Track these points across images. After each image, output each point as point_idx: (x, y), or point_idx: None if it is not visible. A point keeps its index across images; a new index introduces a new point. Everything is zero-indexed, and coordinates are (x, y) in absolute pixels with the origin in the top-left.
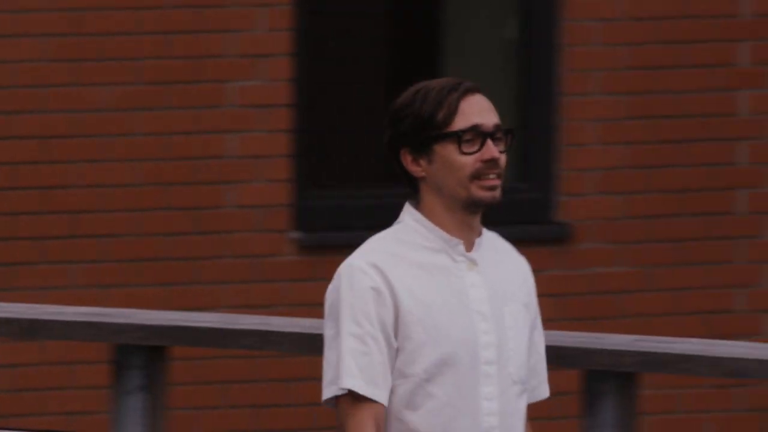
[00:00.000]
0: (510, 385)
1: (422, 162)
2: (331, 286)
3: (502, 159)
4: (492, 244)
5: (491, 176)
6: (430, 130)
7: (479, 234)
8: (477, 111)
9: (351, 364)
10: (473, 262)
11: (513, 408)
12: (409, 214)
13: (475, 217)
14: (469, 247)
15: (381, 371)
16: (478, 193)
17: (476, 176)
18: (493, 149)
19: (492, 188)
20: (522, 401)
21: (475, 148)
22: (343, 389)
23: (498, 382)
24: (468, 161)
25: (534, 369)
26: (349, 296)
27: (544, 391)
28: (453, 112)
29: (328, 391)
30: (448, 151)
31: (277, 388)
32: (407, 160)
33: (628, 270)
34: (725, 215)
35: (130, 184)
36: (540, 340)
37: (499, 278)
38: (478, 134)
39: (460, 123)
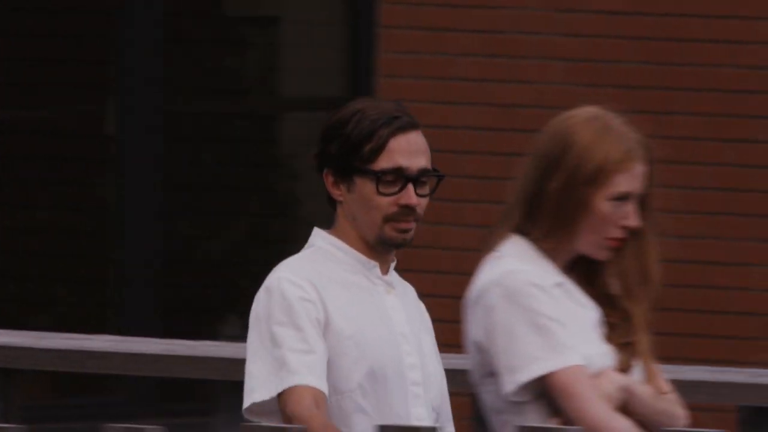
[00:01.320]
0: (431, 410)
1: (342, 187)
2: (259, 300)
3: (422, 204)
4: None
5: (406, 220)
6: (354, 161)
7: (393, 260)
8: (405, 152)
9: (297, 363)
10: (390, 286)
11: None
12: (320, 238)
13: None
14: (384, 270)
15: (323, 365)
16: (389, 233)
17: (390, 218)
18: (411, 196)
19: (404, 231)
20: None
21: (394, 189)
22: (287, 386)
23: (425, 404)
24: (384, 202)
25: (438, 408)
26: (282, 305)
27: None
28: (380, 149)
29: (264, 393)
30: (367, 187)
31: None
32: (329, 181)
33: None
34: None
35: None
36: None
37: (410, 307)
38: (400, 177)
39: (383, 162)
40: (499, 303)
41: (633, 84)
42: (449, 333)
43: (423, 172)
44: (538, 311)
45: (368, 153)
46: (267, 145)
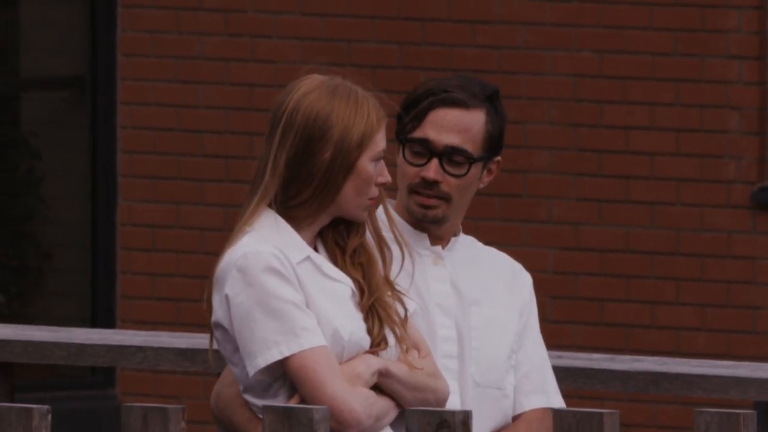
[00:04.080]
0: (473, 385)
1: (399, 154)
2: None
3: (449, 182)
4: (469, 246)
5: (425, 195)
6: (403, 127)
7: (454, 233)
8: (439, 126)
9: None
10: (439, 257)
11: (475, 409)
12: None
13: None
14: (445, 243)
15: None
16: (412, 206)
17: (413, 190)
18: (431, 170)
19: (424, 206)
20: (487, 405)
21: (421, 161)
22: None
23: (459, 378)
24: (410, 172)
25: (520, 381)
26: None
27: (527, 403)
28: (417, 118)
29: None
30: (403, 153)
31: None
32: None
33: None
34: None
35: None
36: (530, 352)
37: (470, 279)
38: (427, 149)
39: (418, 132)
40: (235, 286)
41: (372, 63)
42: (188, 312)
43: (449, 149)
44: (274, 294)
45: (409, 120)
46: (7, 125)
